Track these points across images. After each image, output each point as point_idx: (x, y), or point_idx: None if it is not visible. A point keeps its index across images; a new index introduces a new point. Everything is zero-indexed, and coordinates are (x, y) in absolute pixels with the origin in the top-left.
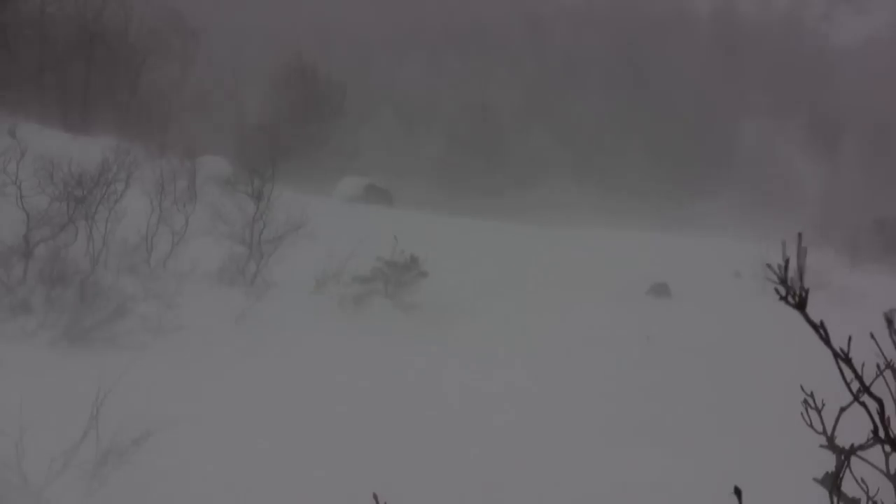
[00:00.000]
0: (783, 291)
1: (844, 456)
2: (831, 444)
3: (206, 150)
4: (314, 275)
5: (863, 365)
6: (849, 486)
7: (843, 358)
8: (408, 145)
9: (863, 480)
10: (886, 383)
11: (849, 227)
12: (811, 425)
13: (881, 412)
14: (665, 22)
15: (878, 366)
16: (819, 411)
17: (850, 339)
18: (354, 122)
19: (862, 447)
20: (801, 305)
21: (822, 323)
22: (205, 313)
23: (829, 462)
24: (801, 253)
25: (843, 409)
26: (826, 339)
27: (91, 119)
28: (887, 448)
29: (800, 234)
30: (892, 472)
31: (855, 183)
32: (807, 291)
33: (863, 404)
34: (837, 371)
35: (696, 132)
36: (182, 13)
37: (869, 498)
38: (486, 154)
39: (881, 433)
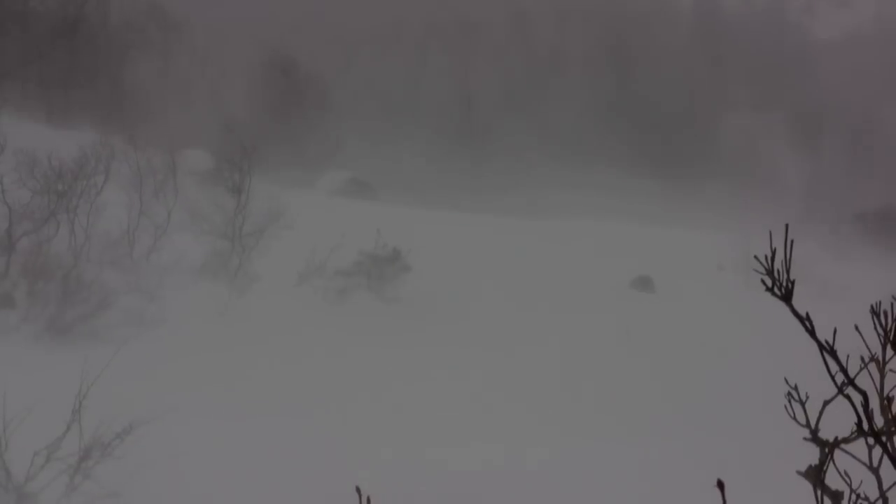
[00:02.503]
0: (769, 283)
1: (828, 449)
2: (815, 437)
3: (187, 144)
4: (297, 268)
5: (847, 357)
6: (832, 479)
7: (828, 350)
8: (391, 139)
9: (846, 473)
10: (871, 376)
11: (831, 220)
12: (795, 418)
13: (865, 405)
14: (648, 16)
15: (861, 358)
16: (803, 404)
17: (835, 331)
18: (337, 115)
19: (846, 440)
20: (787, 297)
21: (807, 315)
22: (188, 307)
23: (812, 455)
24: (788, 244)
25: (826, 402)
26: (812, 332)
27: (73, 112)
28: (871, 441)
29: (787, 226)
30: (875, 464)
31: (837, 176)
32: (793, 283)
33: (847, 397)
34: (819, 363)
35: (679, 126)
36: (164, 7)
37: (852, 491)
38: (471, 148)
39: (865, 426)
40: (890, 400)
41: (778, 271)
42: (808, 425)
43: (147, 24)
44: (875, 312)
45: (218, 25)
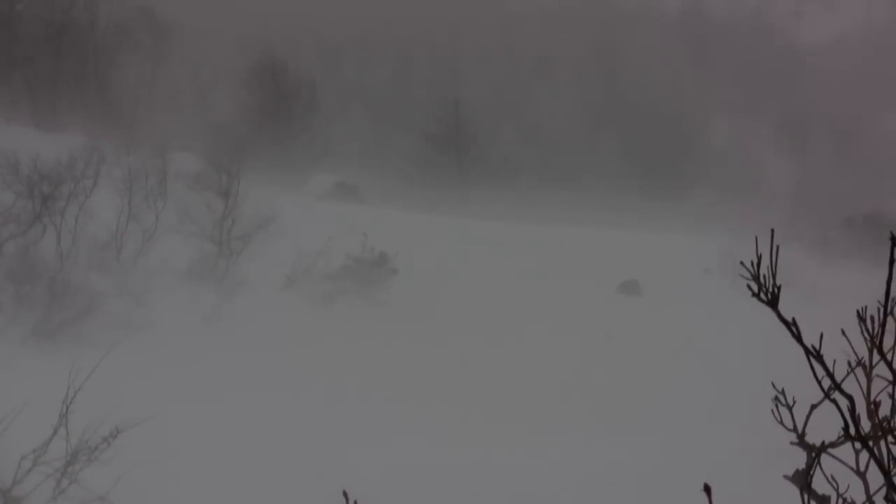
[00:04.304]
0: (755, 288)
1: (815, 453)
2: (802, 442)
3: (176, 148)
4: (284, 272)
5: (834, 362)
6: (819, 484)
7: (814, 355)
8: (379, 142)
9: (833, 477)
10: (857, 381)
11: (818, 223)
12: (781, 422)
13: (852, 409)
14: (635, 20)
15: (848, 363)
16: (790, 408)
17: (821, 336)
18: (325, 119)
19: (833, 444)
20: (773, 302)
21: (794, 320)
22: (175, 311)
23: (799, 459)
24: (774, 249)
25: (814, 407)
26: (798, 337)
27: (60, 116)
28: (857, 445)
29: (772, 231)
30: (862, 469)
31: (824, 180)
32: (779, 288)
33: (834, 401)
34: (808, 368)
35: (667, 129)
36: (153, 11)
37: (839, 495)
38: (458, 151)
39: (852, 430)
40: (877, 404)
41: (764, 276)
42: (794, 429)
43: (136, 27)
44: (861, 317)
45: (207, 29)
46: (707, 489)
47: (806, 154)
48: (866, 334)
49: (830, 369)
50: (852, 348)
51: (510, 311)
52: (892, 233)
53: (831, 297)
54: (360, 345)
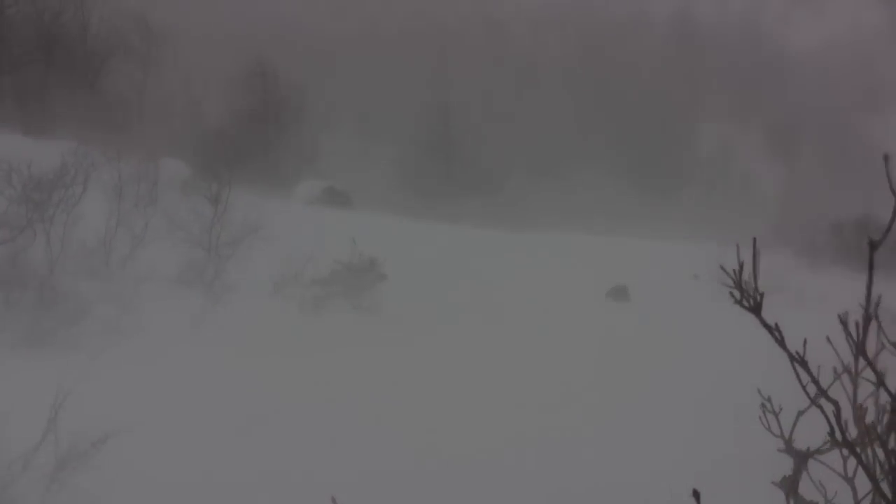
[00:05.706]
0: (738, 295)
1: (802, 459)
2: (789, 448)
3: (165, 153)
4: (273, 277)
5: (819, 368)
6: (807, 490)
7: (798, 361)
8: (368, 148)
9: (821, 483)
10: (843, 386)
11: (807, 228)
12: (769, 429)
13: (837, 415)
14: (623, 25)
15: (834, 369)
16: (776, 415)
17: (805, 342)
18: (314, 125)
19: (819, 450)
20: (756, 309)
21: (776, 325)
22: (163, 316)
23: (786, 465)
24: (756, 256)
25: (800, 413)
26: (781, 342)
27: (50, 121)
28: (845, 451)
29: (754, 239)
30: (849, 474)
31: (813, 185)
32: (761, 295)
33: (820, 407)
34: (795, 374)
35: (656, 135)
36: (144, 17)
37: (827, 501)
38: (447, 157)
39: (838, 436)
40: (863, 410)
41: (746, 283)
42: (781, 436)
43: (128, 33)
44: (843, 322)
45: (198, 35)
46: (696, 495)
47: (795, 159)
48: (851, 340)
49: (816, 375)
50: (837, 354)
51: (499, 317)
52: (869, 238)
53: (819, 303)
54: (349, 349)
